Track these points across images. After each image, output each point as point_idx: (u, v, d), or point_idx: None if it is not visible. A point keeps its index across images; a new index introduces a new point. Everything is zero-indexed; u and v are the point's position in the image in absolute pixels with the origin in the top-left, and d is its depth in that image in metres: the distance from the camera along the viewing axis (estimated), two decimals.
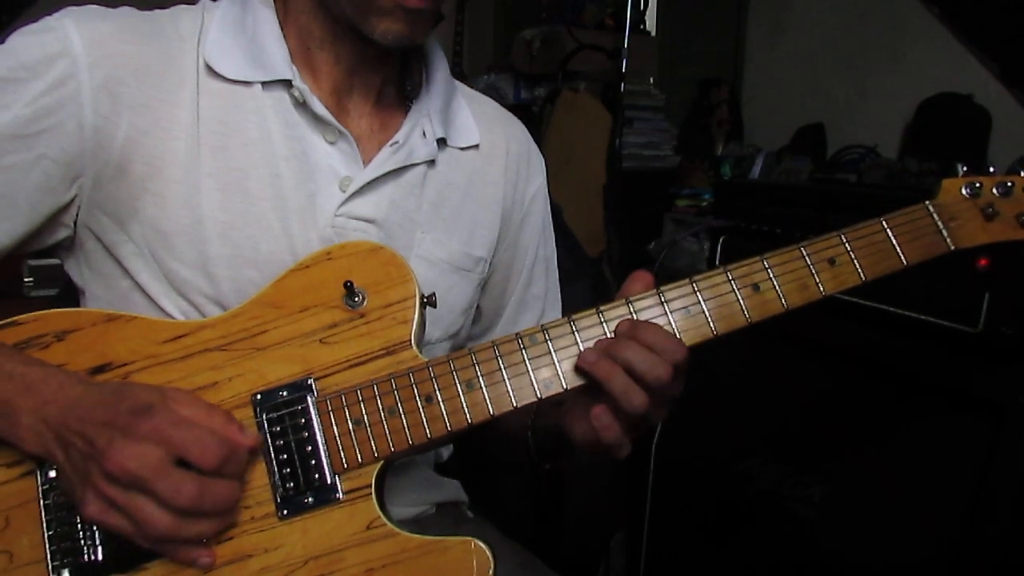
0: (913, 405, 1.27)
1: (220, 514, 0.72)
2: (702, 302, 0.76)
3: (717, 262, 1.63)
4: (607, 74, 2.71)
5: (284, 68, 0.84)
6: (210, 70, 0.83)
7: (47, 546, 0.75)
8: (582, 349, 0.75)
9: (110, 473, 0.67)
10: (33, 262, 1.86)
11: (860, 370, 1.35)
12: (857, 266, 0.78)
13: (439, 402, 0.76)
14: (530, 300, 1.08)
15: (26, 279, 1.87)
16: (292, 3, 0.87)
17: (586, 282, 2.27)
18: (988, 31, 2.09)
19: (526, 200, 1.05)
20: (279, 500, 0.75)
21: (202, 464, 0.69)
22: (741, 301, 0.76)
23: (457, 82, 1.01)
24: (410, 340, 0.79)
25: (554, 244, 1.12)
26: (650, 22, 3.13)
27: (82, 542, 0.74)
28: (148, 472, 0.66)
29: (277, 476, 0.76)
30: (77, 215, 0.84)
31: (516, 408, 0.76)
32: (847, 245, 0.78)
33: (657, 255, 2.23)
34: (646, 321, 0.75)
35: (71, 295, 0.93)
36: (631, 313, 0.76)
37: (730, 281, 0.77)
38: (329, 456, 0.76)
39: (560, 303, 1.13)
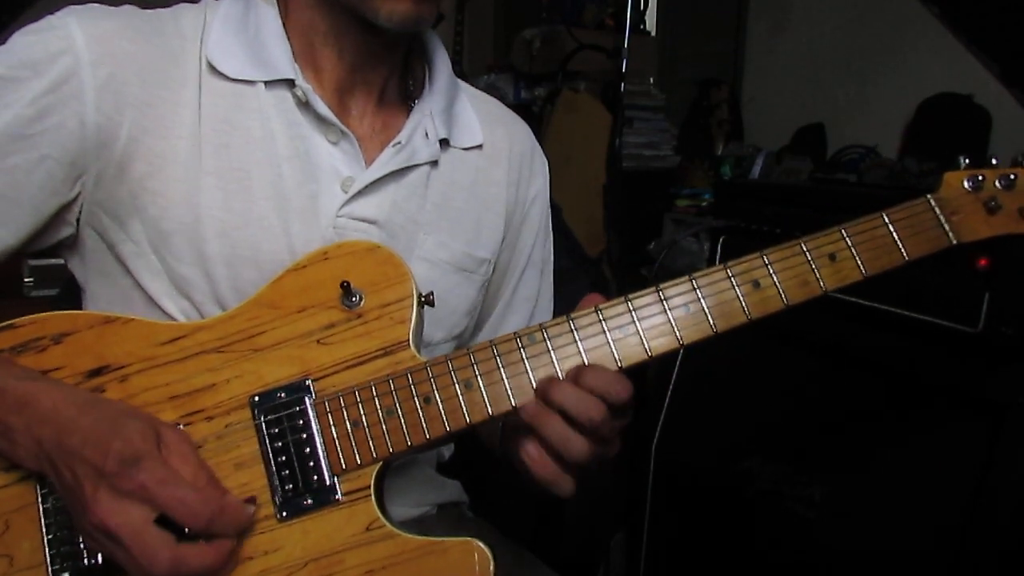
0: (913, 405, 1.27)
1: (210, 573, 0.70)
2: (702, 299, 0.76)
3: (717, 262, 1.62)
4: (607, 74, 2.70)
5: (287, 67, 0.84)
6: (212, 69, 0.82)
7: (47, 550, 0.74)
8: (582, 350, 0.75)
9: (92, 524, 0.67)
10: (33, 262, 1.86)
11: (860, 370, 1.35)
12: (858, 261, 0.77)
13: (437, 403, 0.76)
14: (518, 302, 1.06)
15: (26, 279, 1.87)
16: (293, 0, 0.86)
17: (586, 282, 2.26)
18: (988, 31, 2.09)
19: (527, 201, 1.04)
20: (278, 502, 0.75)
21: (189, 525, 0.68)
22: (741, 298, 0.76)
23: (460, 81, 1.00)
24: (408, 340, 0.78)
25: (552, 249, 1.10)
26: (650, 22, 3.13)
27: (82, 546, 0.74)
28: (127, 533, 0.66)
29: (276, 478, 0.75)
30: (80, 213, 0.83)
31: (514, 408, 0.75)
32: (848, 240, 0.77)
33: (657, 255, 2.23)
34: (591, 366, 0.74)
35: (72, 295, 0.92)
36: (630, 311, 0.75)
37: (730, 278, 0.76)
38: (328, 458, 0.76)
39: (552, 309, 1.10)
